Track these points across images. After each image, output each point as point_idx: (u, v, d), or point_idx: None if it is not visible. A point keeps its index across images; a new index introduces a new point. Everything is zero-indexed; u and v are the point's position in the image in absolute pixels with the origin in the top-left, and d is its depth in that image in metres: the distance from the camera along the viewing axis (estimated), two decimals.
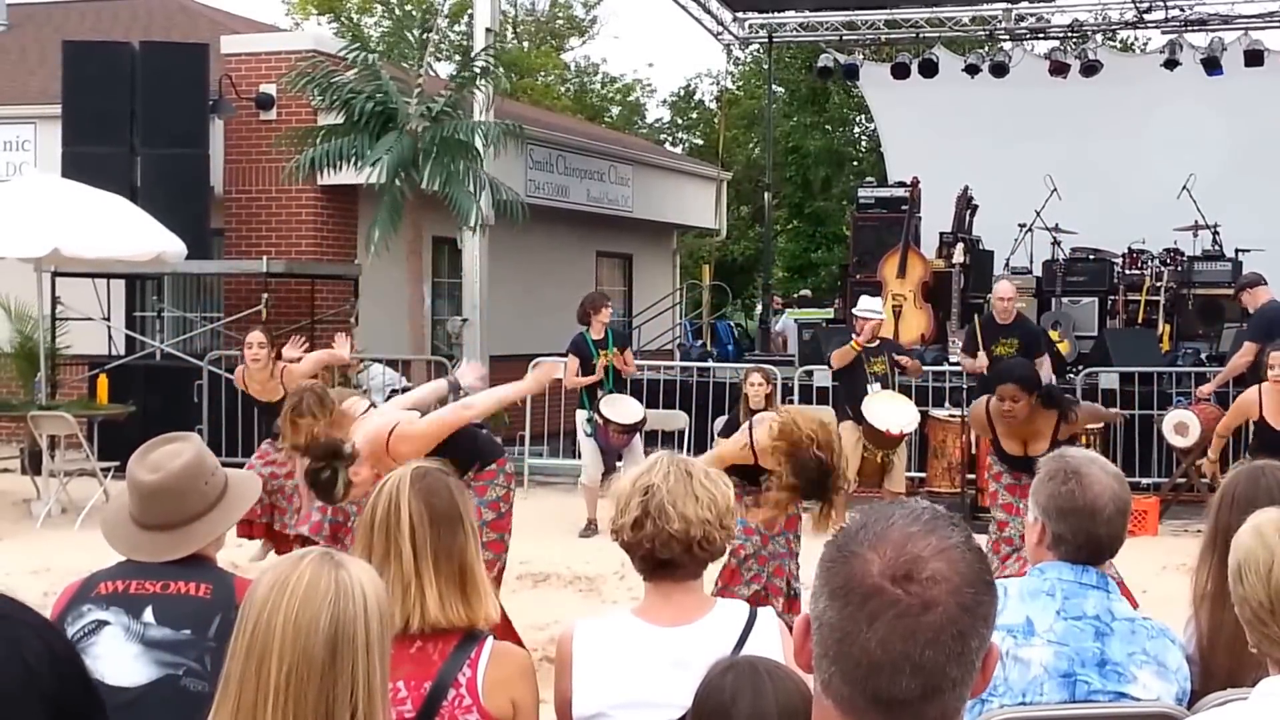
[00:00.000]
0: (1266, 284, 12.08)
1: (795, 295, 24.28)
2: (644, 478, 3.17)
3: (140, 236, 12.45)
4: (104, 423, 12.66)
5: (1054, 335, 14.53)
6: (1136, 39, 28.06)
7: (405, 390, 14.43)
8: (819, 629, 1.62)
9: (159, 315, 16.32)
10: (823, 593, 1.63)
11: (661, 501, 3.10)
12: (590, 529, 11.26)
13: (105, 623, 3.25)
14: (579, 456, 12.19)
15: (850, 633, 1.58)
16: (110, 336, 15.52)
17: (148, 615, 3.25)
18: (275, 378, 9.66)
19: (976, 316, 12.39)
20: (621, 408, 11.37)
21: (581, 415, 11.82)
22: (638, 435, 11.56)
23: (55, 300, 14.44)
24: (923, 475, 12.74)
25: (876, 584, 1.58)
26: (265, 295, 14.88)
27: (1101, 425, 11.61)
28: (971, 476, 11.32)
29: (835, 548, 1.65)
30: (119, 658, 3.22)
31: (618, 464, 11.20)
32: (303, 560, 2.30)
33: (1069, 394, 12.53)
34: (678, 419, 13.55)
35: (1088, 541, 3.22)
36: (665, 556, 3.10)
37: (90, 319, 14.77)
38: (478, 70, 14.42)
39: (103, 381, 13.07)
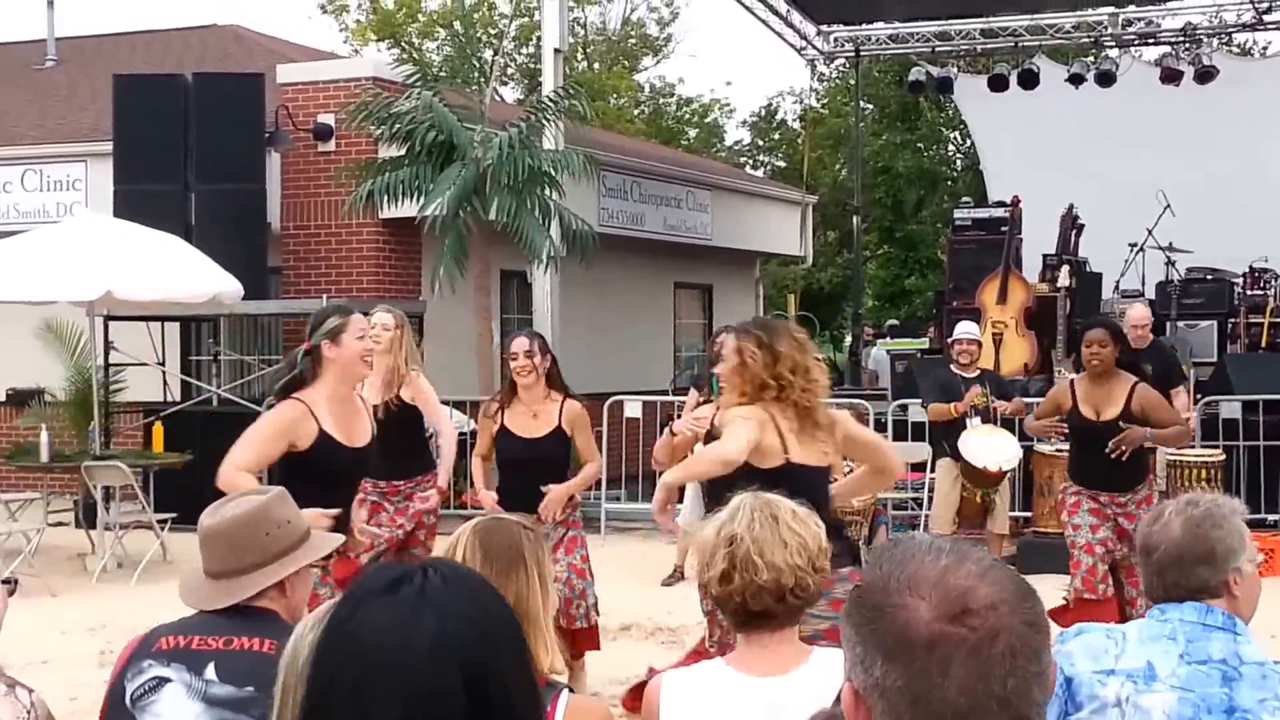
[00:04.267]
0: None
1: (885, 325, 24.11)
2: (728, 526, 3.17)
3: (195, 277, 12.64)
4: (160, 472, 12.83)
5: None
6: (1255, 42, 27.78)
7: (475, 433, 14.54)
8: (882, 697, 1.56)
9: (215, 359, 16.53)
10: (872, 658, 1.57)
11: (748, 552, 3.10)
12: (675, 576, 11.24)
13: (166, 680, 3.31)
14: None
15: (924, 690, 1.54)
16: (165, 382, 15.72)
17: (210, 672, 3.30)
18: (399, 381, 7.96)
19: None
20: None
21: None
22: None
23: (109, 345, 14.67)
24: (1028, 515, 12.58)
25: (936, 629, 1.54)
26: None
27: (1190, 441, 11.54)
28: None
29: (867, 607, 1.60)
30: (181, 716, 3.27)
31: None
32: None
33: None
34: None
35: (1158, 580, 3.28)
36: (758, 608, 3.11)
37: (145, 364, 14.98)
38: (553, 101, 14.44)
39: (158, 429, 13.25)
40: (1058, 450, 12.21)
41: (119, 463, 12.04)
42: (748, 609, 3.12)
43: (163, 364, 15.49)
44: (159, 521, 11.82)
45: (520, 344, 7.50)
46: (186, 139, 15.30)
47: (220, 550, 3.44)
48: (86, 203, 15.82)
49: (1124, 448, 7.96)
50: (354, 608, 1.76)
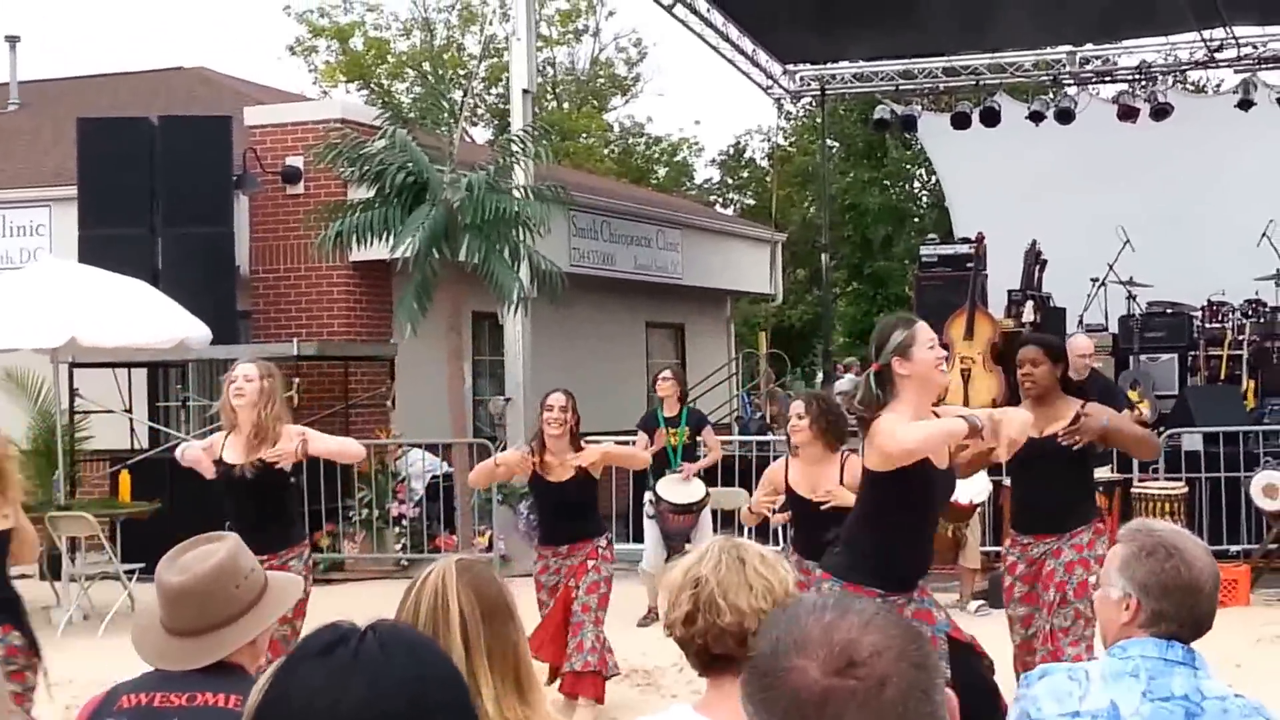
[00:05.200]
0: None
1: (844, 363, 24.02)
2: (695, 568, 3.15)
3: (162, 322, 12.54)
4: (127, 522, 12.63)
5: (1133, 395, 14.40)
6: (1208, 79, 28.04)
7: (448, 476, 14.50)
8: None
9: (184, 405, 16.40)
10: None
11: (711, 594, 3.06)
12: (649, 617, 11.19)
13: None
14: (640, 540, 12.12)
15: None
16: (132, 429, 15.57)
17: None
18: (271, 439, 7.23)
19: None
20: (678, 488, 11.28)
21: (648, 496, 11.77)
22: (705, 516, 11.48)
23: (73, 392, 14.52)
24: (998, 549, 12.55)
25: (824, 685, 1.56)
26: (296, 380, 14.92)
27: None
28: None
29: (759, 675, 1.62)
30: None
31: (687, 546, 11.14)
32: None
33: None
34: (738, 497, 13.43)
35: (1190, 619, 3.24)
36: (719, 651, 3.06)
37: (110, 411, 14.84)
38: (520, 143, 14.42)
39: (125, 478, 13.08)
40: None
41: (84, 513, 11.87)
42: (710, 651, 3.07)
43: (129, 411, 15.36)
44: (126, 572, 11.65)
45: (556, 399, 8.37)
46: (153, 182, 15.22)
47: (191, 609, 3.32)
48: (50, 248, 15.72)
49: (1078, 436, 6.86)
50: (289, 671, 1.75)
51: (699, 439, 11.68)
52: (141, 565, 11.59)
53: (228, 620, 3.32)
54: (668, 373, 11.90)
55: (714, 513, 12.55)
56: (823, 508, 7.23)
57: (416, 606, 2.98)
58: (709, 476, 12.63)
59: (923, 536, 5.58)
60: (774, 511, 8.06)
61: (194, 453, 7.47)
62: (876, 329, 5.59)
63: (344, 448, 7.63)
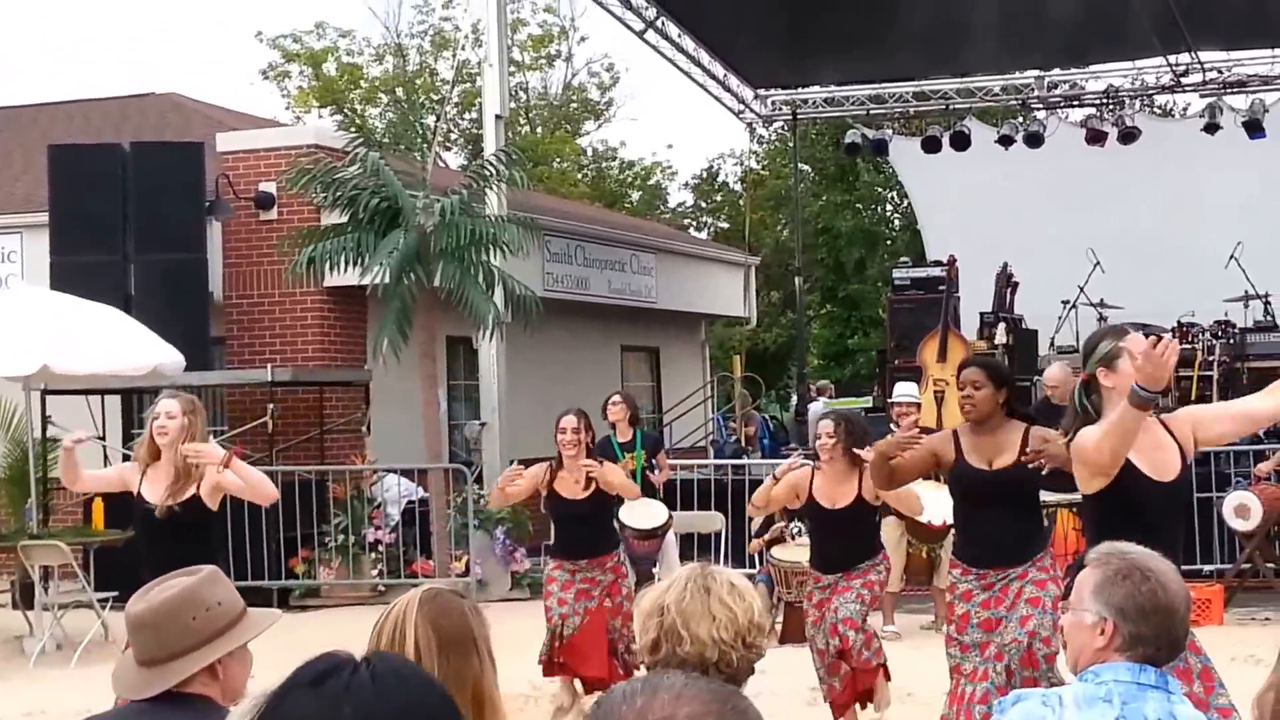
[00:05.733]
0: None
1: (815, 386, 23.94)
2: (662, 597, 3.16)
3: (135, 349, 12.43)
4: (100, 550, 12.49)
5: None
6: (1175, 103, 28.19)
7: (424, 501, 14.43)
8: None
9: None
10: None
11: (674, 623, 3.08)
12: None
13: None
14: None
15: None
16: (106, 457, 15.46)
17: None
18: (191, 477, 6.87)
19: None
20: (639, 513, 11.25)
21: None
22: (670, 539, 11.47)
23: (46, 420, 14.41)
24: None
25: None
26: (270, 406, 14.88)
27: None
28: None
29: None
30: None
31: (654, 570, 11.15)
32: None
33: None
34: (714, 520, 13.44)
35: (1168, 641, 3.24)
36: None
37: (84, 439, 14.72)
38: (494, 169, 14.41)
39: (98, 506, 12.93)
40: None
41: (58, 541, 11.75)
42: None
43: (103, 438, 15.26)
44: (100, 601, 11.48)
45: (569, 422, 8.69)
46: (125, 209, 15.11)
47: (147, 638, 3.34)
48: (22, 274, 15.61)
49: (1044, 460, 6.26)
50: (281, 698, 1.75)
51: (654, 460, 11.75)
52: (115, 594, 11.40)
53: (184, 651, 3.32)
54: (617, 398, 12.12)
55: (690, 536, 12.52)
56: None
57: (379, 637, 2.99)
58: (684, 501, 12.62)
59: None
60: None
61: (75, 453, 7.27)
62: (1088, 338, 5.48)
63: (259, 484, 7.06)
